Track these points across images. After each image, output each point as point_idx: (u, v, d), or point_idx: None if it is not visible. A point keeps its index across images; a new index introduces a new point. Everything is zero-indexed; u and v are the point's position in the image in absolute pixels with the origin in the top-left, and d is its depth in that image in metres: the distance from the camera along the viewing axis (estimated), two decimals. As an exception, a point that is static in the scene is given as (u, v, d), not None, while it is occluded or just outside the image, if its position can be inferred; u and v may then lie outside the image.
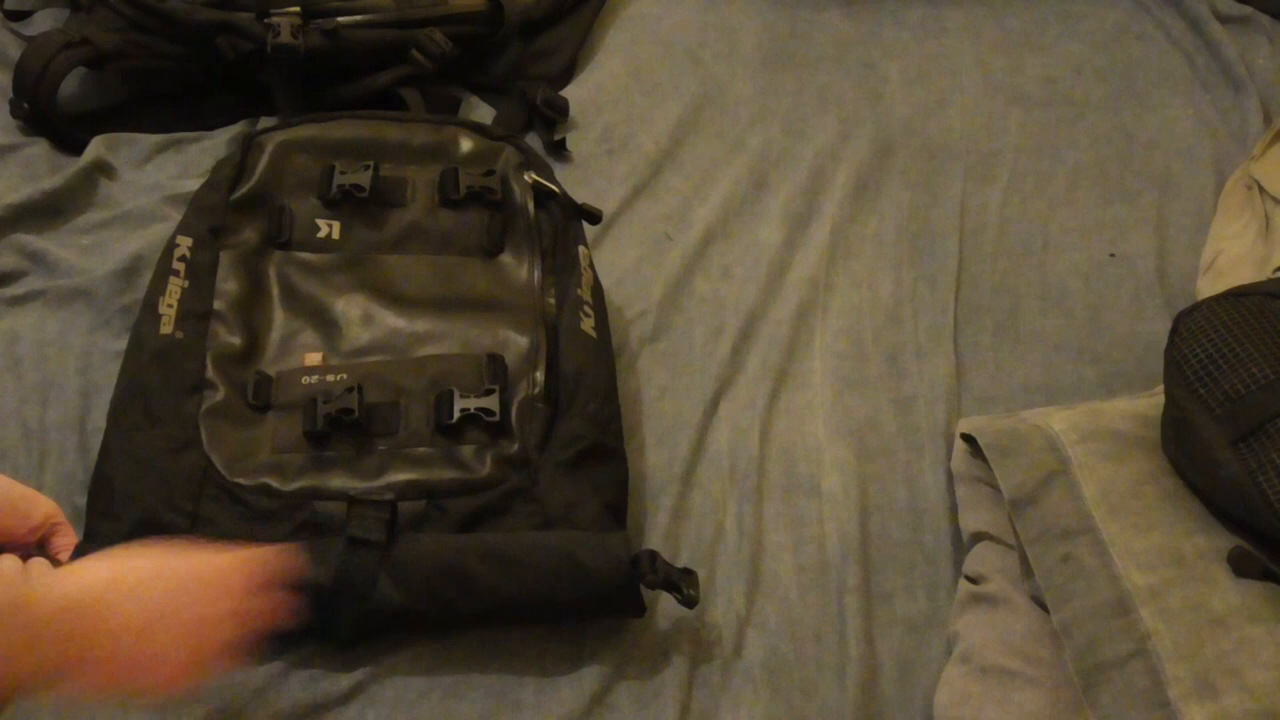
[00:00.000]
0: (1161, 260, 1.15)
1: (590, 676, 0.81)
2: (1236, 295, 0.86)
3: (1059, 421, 0.88)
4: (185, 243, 0.92)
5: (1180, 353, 0.84)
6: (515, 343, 0.90)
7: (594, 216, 1.01)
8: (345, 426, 0.84)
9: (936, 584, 0.90)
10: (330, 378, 0.86)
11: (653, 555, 0.80)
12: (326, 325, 0.91)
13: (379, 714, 0.78)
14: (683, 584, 0.80)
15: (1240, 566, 0.76)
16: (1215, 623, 0.74)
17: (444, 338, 0.91)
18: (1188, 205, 1.21)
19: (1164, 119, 1.31)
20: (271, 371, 0.88)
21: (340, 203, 0.96)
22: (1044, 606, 0.81)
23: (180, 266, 0.90)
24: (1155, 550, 0.78)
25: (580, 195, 1.02)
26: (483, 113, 1.24)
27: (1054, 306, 1.11)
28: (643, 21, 1.38)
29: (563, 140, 1.21)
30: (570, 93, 1.26)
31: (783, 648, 0.85)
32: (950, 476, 0.95)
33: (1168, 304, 1.11)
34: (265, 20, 1.13)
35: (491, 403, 0.85)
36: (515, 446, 0.85)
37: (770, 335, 1.06)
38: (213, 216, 0.94)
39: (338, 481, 0.82)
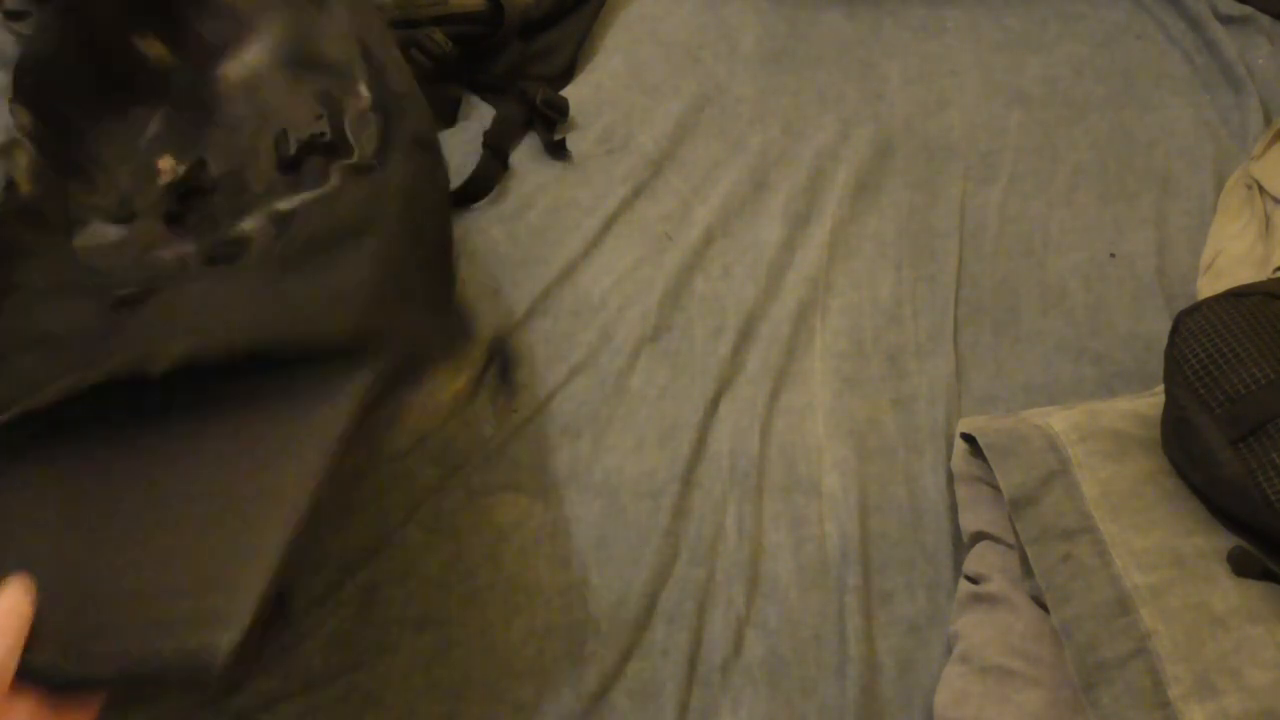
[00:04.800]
0: (1161, 260, 1.16)
1: (590, 676, 0.81)
2: (1236, 295, 0.86)
3: (1059, 421, 0.88)
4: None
5: (1180, 353, 0.84)
6: (336, 65, 0.91)
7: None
8: (197, 199, 0.84)
9: (936, 584, 0.90)
10: (181, 168, 0.87)
11: None
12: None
13: (378, 715, 0.78)
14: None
15: (1240, 566, 0.76)
16: (1215, 623, 0.74)
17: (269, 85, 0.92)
18: (1188, 205, 1.21)
19: (1164, 119, 1.31)
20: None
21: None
22: (1044, 606, 0.81)
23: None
24: (1155, 550, 0.78)
25: (580, 195, 1.02)
26: (483, 112, 1.24)
27: (1054, 306, 1.11)
28: (643, 21, 1.38)
29: (563, 140, 1.21)
30: (570, 93, 1.26)
31: (783, 648, 0.85)
32: (950, 476, 0.95)
33: (1168, 304, 1.11)
34: (265, 19, 1.13)
35: (322, 125, 0.86)
36: (355, 158, 0.86)
37: (770, 335, 1.06)
38: None
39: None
